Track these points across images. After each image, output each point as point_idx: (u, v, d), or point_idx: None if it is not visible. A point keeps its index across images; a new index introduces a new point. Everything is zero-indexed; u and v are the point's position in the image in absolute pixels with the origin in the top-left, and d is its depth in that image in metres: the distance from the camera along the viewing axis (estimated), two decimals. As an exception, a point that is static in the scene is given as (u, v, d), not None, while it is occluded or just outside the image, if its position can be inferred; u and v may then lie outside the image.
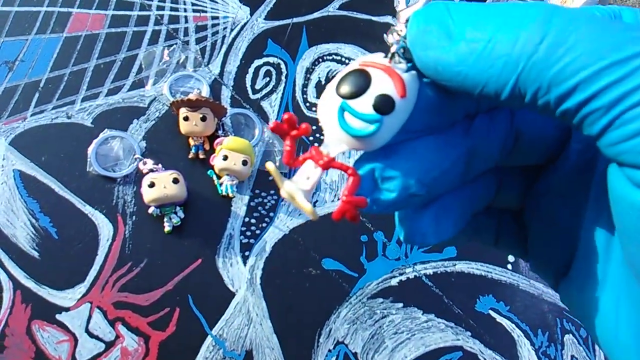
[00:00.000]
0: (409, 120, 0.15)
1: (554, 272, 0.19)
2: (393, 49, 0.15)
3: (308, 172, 0.16)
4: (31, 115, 0.56)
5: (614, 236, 0.16)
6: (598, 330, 0.17)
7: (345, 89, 0.15)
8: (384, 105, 0.14)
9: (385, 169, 0.16)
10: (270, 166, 0.16)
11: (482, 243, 0.22)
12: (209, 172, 0.57)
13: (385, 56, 0.16)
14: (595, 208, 0.17)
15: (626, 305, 0.15)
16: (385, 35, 0.16)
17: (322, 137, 0.15)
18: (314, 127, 0.60)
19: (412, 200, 0.16)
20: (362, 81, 0.15)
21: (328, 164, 0.16)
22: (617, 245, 0.16)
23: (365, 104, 0.15)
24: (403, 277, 0.57)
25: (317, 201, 0.58)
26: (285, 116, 0.16)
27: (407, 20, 0.15)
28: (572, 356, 0.57)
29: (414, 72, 0.15)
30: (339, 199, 0.15)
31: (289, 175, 0.57)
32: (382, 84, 0.15)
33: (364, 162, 0.16)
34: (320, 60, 0.67)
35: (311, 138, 0.61)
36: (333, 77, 0.64)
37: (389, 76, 0.15)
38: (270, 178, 0.58)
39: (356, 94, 0.15)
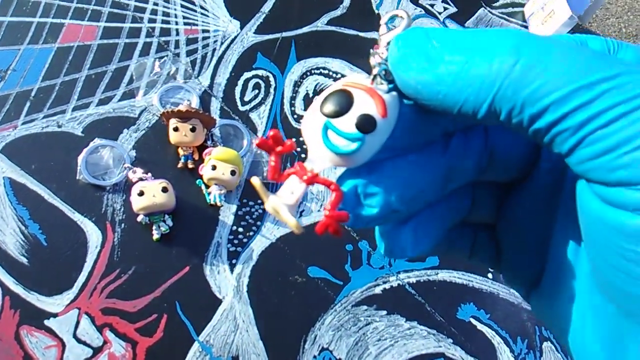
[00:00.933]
0: (390, 139, 0.16)
1: (525, 284, 0.20)
2: (375, 71, 0.16)
3: (292, 187, 0.16)
4: (22, 124, 0.57)
5: (581, 250, 0.17)
6: (568, 340, 0.17)
7: (329, 108, 0.16)
8: (366, 124, 0.15)
9: (368, 185, 0.16)
10: (255, 181, 0.17)
11: (457, 256, 0.23)
12: (197, 182, 0.58)
13: (368, 77, 0.16)
14: (564, 223, 0.18)
15: (592, 316, 0.16)
16: (369, 57, 0.16)
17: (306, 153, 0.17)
18: (301, 139, 0.61)
19: (393, 215, 0.17)
20: (345, 101, 0.15)
21: (312, 180, 0.16)
22: (584, 259, 0.17)
23: (348, 123, 0.15)
24: (387, 286, 0.59)
25: (303, 210, 0.60)
26: (271, 133, 0.17)
27: (388, 44, 0.16)
28: (550, 363, 0.59)
29: (394, 93, 0.16)
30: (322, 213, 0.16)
31: (274, 189, 0.59)
32: (364, 104, 0.15)
33: (347, 178, 0.17)
34: (308, 73, 0.69)
35: (298, 149, 0.62)
36: (321, 90, 0.66)
37: (371, 97, 0.15)
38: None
39: (339, 113, 0.15)
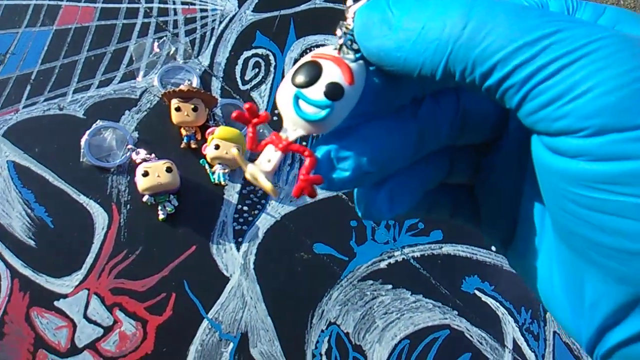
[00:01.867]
0: (360, 105, 0.17)
1: (502, 240, 0.21)
2: (341, 41, 0.17)
3: (269, 156, 0.17)
4: (23, 107, 0.57)
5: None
6: (539, 289, 0.19)
7: (299, 78, 0.16)
8: (333, 92, 0.16)
9: (340, 150, 0.17)
10: (234, 152, 0.18)
11: (438, 216, 0.24)
12: (201, 161, 0.58)
13: (335, 48, 0.17)
14: (532, 181, 0.18)
15: (557, 265, 0.17)
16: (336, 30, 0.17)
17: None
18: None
19: (366, 178, 0.18)
20: (314, 71, 0.16)
21: (287, 147, 0.17)
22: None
23: (317, 91, 0.16)
24: (392, 260, 0.59)
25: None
26: (247, 105, 0.18)
27: (353, 15, 0.17)
28: (554, 332, 0.60)
29: (361, 61, 0.17)
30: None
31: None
32: (331, 73, 0.16)
33: (321, 144, 0.18)
34: (308, 51, 0.68)
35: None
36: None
37: (338, 66, 0.16)
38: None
39: (309, 83, 0.16)
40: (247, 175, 0.18)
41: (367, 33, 0.16)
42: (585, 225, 0.14)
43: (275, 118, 0.63)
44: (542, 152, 0.15)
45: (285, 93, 0.17)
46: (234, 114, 0.18)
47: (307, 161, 0.17)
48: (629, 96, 0.12)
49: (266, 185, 0.17)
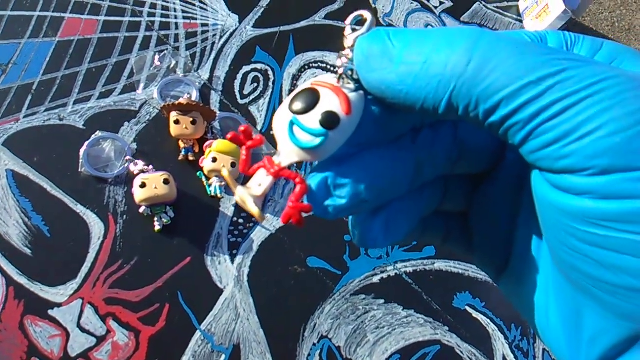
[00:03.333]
0: (357, 134, 0.17)
1: (494, 268, 0.21)
2: (341, 71, 0.17)
3: (260, 180, 0.17)
4: (24, 117, 0.57)
5: (544, 236, 0.18)
6: (534, 319, 0.19)
7: (296, 105, 0.16)
8: (329, 121, 0.16)
9: (337, 177, 0.17)
10: (224, 173, 0.18)
11: (430, 241, 0.24)
12: (198, 174, 0.59)
13: (335, 77, 0.17)
14: (528, 211, 0.19)
15: (554, 295, 0.17)
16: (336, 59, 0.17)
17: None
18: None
19: (362, 206, 0.18)
20: (311, 99, 0.16)
21: (278, 173, 0.17)
22: (545, 244, 0.18)
23: (312, 119, 0.16)
24: (384, 275, 0.60)
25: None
26: (242, 128, 0.18)
27: (353, 44, 0.17)
28: (544, 349, 0.60)
29: (361, 91, 0.17)
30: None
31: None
32: (329, 102, 0.16)
33: (318, 171, 0.17)
34: (307, 67, 0.69)
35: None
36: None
37: (336, 95, 0.16)
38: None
39: (305, 110, 0.16)
40: (236, 198, 0.17)
41: (368, 65, 0.16)
42: (587, 261, 0.14)
43: (272, 132, 0.64)
44: (544, 187, 0.15)
45: (281, 118, 0.17)
46: (229, 135, 0.18)
47: (297, 188, 0.17)
48: (634, 137, 0.13)
49: (254, 210, 0.17)
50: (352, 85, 0.17)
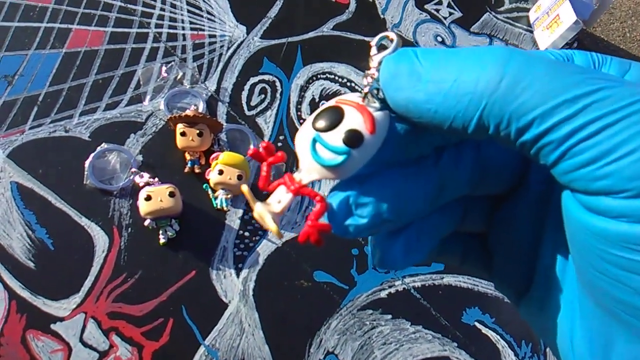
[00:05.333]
0: (381, 153, 0.17)
1: (515, 291, 0.21)
2: (366, 90, 0.17)
3: (280, 196, 0.17)
4: (29, 129, 0.57)
5: (569, 258, 0.18)
6: (556, 344, 0.18)
7: (319, 122, 0.16)
8: (352, 139, 0.16)
9: (359, 196, 0.17)
10: (244, 188, 0.18)
11: (448, 262, 0.23)
12: (204, 186, 0.58)
13: (360, 96, 0.17)
14: (553, 233, 0.18)
15: (580, 320, 0.17)
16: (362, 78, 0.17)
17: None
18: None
19: (383, 226, 0.17)
20: (335, 116, 0.16)
21: (298, 190, 0.17)
22: (572, 266, 0.17)
23: (335, 137, 0.16)
24: (392, 290, 0.59)
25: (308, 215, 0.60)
26: (264, 144, 0.17)
27: (379, 64, 0.16)
28: (556, 368, 0.59)
29: (386, 111, 0.17)
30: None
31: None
32: (353, 120, 0.16)
33: (340, 189, 0.17)
34: (315, 78, 0.69)
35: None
36: (327, 95, 0.66)
37: (360, 113, 0.16)
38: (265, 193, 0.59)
39: (328, 127, 0.16)
40: (255, 214, 0.17)
41: (395, 84, 0.16)
42: (620, 287, 0.14)
43: (280, 144, 0.63)
44: (576, 209, 0.14)
45: (304, 135, 0.17)
46: (250, 151, 0.18)
47: (317, 206, 0.16)
48: None
49: (272, 226, 0.17)
50: (377, 104, 0.17)
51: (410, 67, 0.16)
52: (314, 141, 0.16)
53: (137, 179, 0.56)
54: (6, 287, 0.50)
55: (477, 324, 0.59)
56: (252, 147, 0.57)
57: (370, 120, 0.16)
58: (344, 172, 0.16)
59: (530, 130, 0.14)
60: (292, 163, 0.61)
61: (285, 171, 0.17)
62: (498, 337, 0.59)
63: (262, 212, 0.17)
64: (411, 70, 0.15)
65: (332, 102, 0.17)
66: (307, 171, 0.17)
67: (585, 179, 0.13)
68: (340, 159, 0.16)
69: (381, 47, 0.17)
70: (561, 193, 0.16)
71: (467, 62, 0.15)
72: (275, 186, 0.17)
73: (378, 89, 0.16)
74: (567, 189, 0.15)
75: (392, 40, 0.17)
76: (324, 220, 0.17)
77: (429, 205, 0.18)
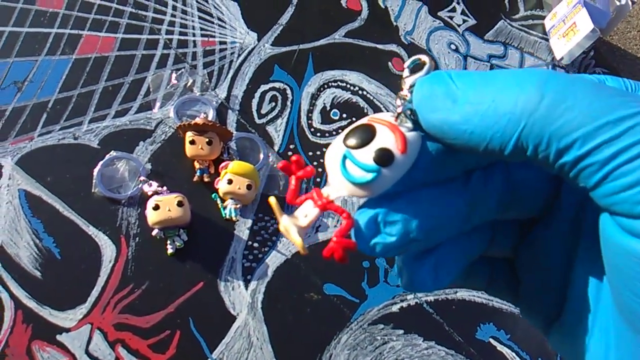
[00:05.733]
0: (410, 174, 0.16)
1: (544, 317, 0.20)
2: (400, 110, 0.17)
3: (307, 211, 0.17)
4: (38, 136, 0.57)
5: (603, 283, 0.17)
6: None
7: (350, 139, 0.16)
8: (383, 157, 0.16)
9: (388, 214, 0.17)
10: (272, 200, 0.18)
11: (474, 287, 0.23)
12: (213, 196, 0.57)
13: (393, 115, 0.17)
14: (586, 257, 0.18)
15: (616, 348, 0.16)
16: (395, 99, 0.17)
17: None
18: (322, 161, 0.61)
19: (410, 245, 0.17)
20: (366, 134, 0.16)
21: (325, 206, 0.17)
22: (607, 292, 0.17)
23: (366, 155, 0.16)
24: (404, 304, 0.58)
25: (320, 226, 0.59)
26: (294, 158, 0.17)
27: (411, 86, 0.16)
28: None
29: (418, 132, 0.17)
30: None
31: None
32: (384, 139, 0.16)
33: (369, 207, 0.17)
34: (326, 86, 0.68)
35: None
36: (338, 103, 0.65)
37: (392, 132, 0.16)
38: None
39: (360, 145, 0.16)
40: (281, 227, 0.17)
41: (430, 105, 0.16)
42: None
43: (290, 153, 0.62)
44: (616, 233, 0.14)
45: (334, 151, 0.17)
46: (280, 164, 0.18)
47: (343, 223, 0.16)
48: None
49: (297, 240, 0.17)
50: (409, 124, 0.17)
51: (446, 88, 0.15)
52: (344, 158, 0.16)
53: (146, 188, 0.55)
54: (12, 296, 0.50)
55: (492, 340, 0.58)
56: (274, 150, 0.56)
57: (402, 140, 0.16)
58: (372, 190, 0.16)
59: (571, 152, 0.14)
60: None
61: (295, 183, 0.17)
62: (514, 354, 0.57)
63: (288, 225, 0.17)
64: (446, 91, 0.15)
65: (364, 120, 0.17)
66: (336, 187, 0.17)
67: (627, 202, 0.13)
68: (369, 176, 0.16)
69: (413, 69, 0.17)
70: (597, 216, 0.15)
71: (505, 83, 0.14)
72: (302, 200, 0.17)
73: (411, 110, 0.16)
74: (604, 212, 0.15)
75: (425, 63, 0.17)
76: (350, 237, 0.17)
77: (458, 227, 0.18)
